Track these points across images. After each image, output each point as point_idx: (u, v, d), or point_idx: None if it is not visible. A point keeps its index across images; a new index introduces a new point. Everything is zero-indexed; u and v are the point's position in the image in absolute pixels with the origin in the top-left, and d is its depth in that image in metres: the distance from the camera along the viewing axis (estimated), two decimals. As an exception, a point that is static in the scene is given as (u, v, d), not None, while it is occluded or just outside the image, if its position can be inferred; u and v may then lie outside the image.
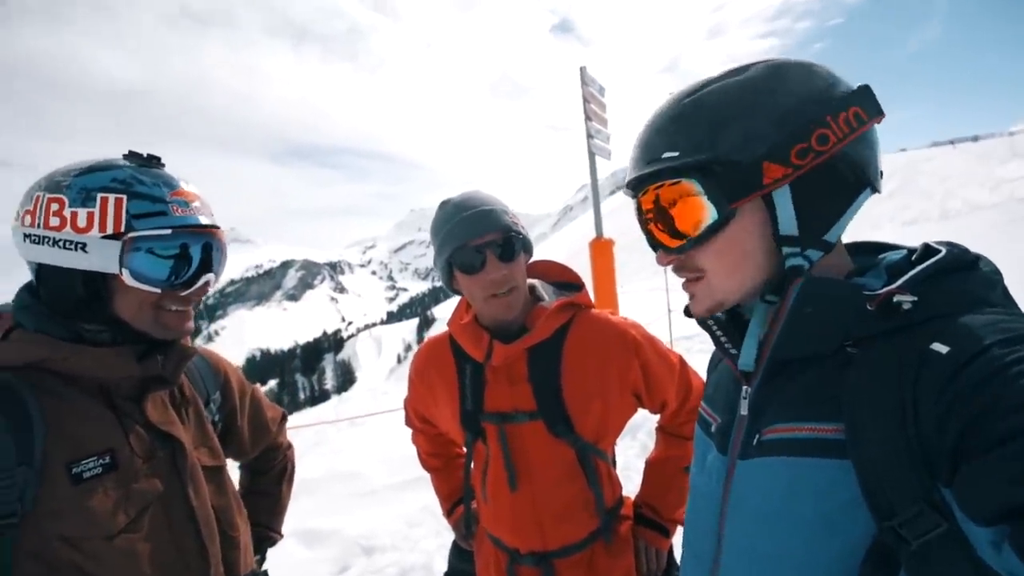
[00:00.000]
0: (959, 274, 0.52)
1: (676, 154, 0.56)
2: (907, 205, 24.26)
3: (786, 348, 0.56)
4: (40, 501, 0.77)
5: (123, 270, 0.82)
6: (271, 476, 1.33)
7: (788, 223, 0.55)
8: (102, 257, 0.81)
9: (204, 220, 0.89)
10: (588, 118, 5.35)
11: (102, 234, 0.81)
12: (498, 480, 1.17)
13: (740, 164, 0.54)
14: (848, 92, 0.55)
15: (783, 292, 0.56)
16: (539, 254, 1.27)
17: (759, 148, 0.54)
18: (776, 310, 0.56)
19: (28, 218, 0.83)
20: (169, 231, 0.85)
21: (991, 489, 0.39)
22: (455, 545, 1.47)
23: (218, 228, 0.94)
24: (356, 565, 3.27)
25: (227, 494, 1.04)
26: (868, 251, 0.65)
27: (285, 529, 1.38)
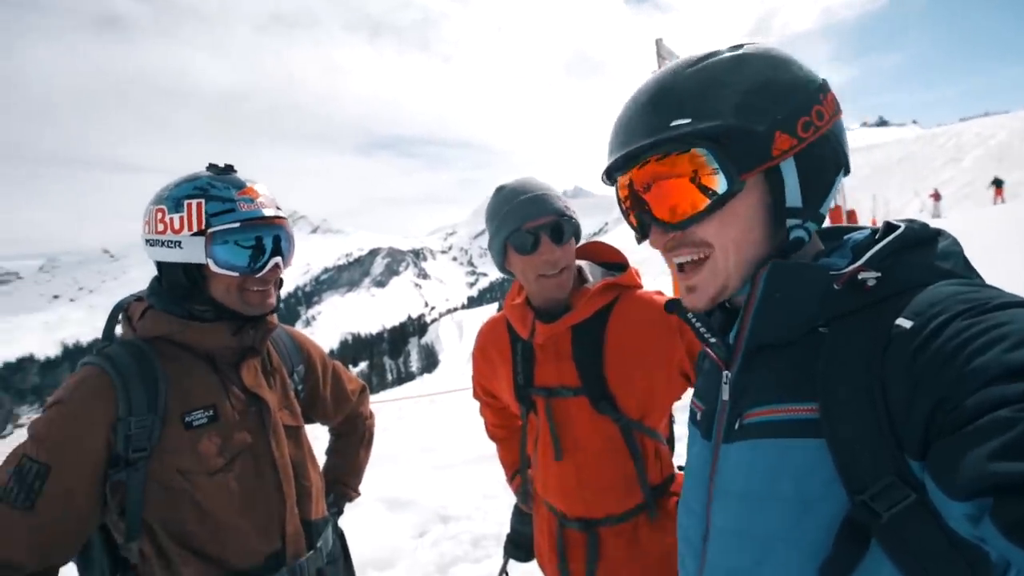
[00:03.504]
0: (920, 248, 0.54)
1: (687, 121, 0.55)
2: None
3: (760, 334, 0.57)
4: (163, 441, 0.98)
5: (208, 260, 1.01)
6: (352, 440, 1.50)
7: (794, 195, 0.56)
8: (192, 251, 1.01)
9: (267, 212, 1.07)
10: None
11: (190, 232, 1.01)
12: (546, 450, 1.24)
13: (753, 133, 0.54)
14: (823, 81, 0.58)
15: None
16: (619, 236, 1.28)
17: (771, 118, 0.54)
18: (747, 297, 0.57)
19: (146, 227, 1.05)
20: (238, 224, 1.02)
21: (967, 466, 0.38)
22: (516, 508, 1.58)
23: (283, 218, 1.10)
24: (433, 531, 3.50)
25: (303, 450, 1.21)
26: (834, 236, 0.65)
27: (371, 495, 1.55)
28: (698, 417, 0.70)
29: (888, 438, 0.46)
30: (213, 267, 1.02)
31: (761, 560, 0.54)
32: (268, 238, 1.07)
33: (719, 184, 0.55)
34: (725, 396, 0.63)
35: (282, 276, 1.15)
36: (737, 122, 0.54)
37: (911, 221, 0.56)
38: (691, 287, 0.61)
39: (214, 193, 1.02)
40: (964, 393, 0.40)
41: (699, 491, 0.65)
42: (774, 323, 0.56)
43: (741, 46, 0.59)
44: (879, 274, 0.51)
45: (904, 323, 0.47)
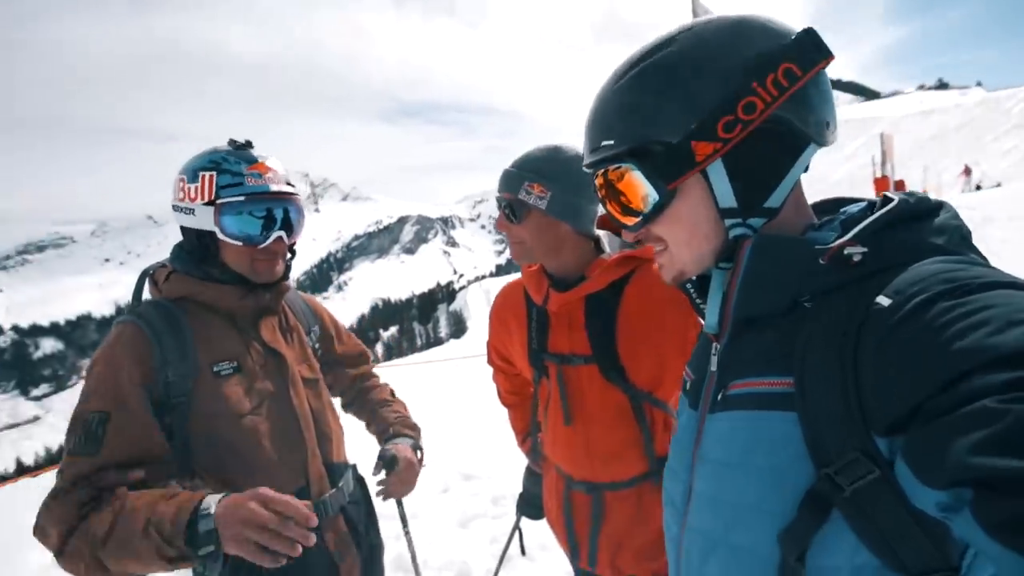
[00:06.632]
0: (913, 223, 0.52)
1: (612, 142, 0.58)
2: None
3: (744, 306, 0.57)
4: (197, 387, 1.09)
5: (216, 228, 1.10)
6: (382, 389, 1.59)
7: (726, 196, 0.56)
8: (203, 219, 1.10)
9: (274, 187, 1.14)
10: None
11: (202, 202, 1.10)
12: (556, 415, 1.27)
13: (671, 145, 0.55)
14: (778, 48, 0.53)
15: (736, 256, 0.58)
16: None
17: (686, 127, 0.54)
18: (732, 270, 0.57)
19: (173, 194, 1.16)
20: (243, 197, 1.10)
21: (948, 456, 0.37)
22: (528, 469, 1.63)
23: (291, 193, 1.17)
24: (456, 488, 3.65)
25: (323, 400, 1.32)
26: (833, 208, 0.63)
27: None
28: (687, 386, 0.71)
29: (856, 414, 0.46)
30: (221, 236, 1.11)
31: (732, 525, 0.56)
32: (275, 211, 1.15)
33: (651, 195, 0.57)
34: (713, 367, 0.64)
35: (293, 248, 1.22)
36: (653, 138, 0.55)
37: (909, 194, 0.54)
38: (659, 265, 0.65)
39: (225, 167, 1.11)
40: (945, 379, 0.39)
41: (684, 457, 0.66)
42: (758, 296, 0.56)
43: (672, 40, 0.56)
44: (865, 249, 0.50)
45: (883, 301, 0.46)
